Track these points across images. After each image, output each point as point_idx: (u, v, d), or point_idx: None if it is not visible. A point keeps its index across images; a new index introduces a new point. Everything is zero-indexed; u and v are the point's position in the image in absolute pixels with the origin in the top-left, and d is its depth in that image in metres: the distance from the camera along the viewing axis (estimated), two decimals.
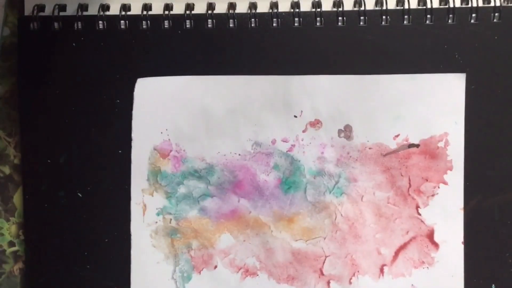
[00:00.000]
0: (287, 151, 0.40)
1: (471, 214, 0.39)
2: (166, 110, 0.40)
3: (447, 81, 0.39)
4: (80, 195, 0.40)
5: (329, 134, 0.40)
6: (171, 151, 0.40)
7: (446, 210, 0.39)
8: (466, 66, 0.39)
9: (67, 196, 0.40)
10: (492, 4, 0.39)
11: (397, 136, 0.39)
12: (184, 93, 0.40)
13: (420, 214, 0.39)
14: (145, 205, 0.40)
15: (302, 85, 0.39)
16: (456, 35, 0.39)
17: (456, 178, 0.39)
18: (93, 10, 0.40)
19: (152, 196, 0.40)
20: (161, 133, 0.40)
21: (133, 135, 0.40)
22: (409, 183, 0.39)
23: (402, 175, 0.39)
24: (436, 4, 0.39)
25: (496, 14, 0.39)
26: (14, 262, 0.42)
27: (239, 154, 0.40)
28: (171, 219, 0.40)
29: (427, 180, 0.39)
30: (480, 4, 0.39)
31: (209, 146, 0.40)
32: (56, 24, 0.40)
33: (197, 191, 0.40)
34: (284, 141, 0.40)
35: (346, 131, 0.40)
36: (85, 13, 0.40)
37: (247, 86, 0.39)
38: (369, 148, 0.39)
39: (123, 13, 0.40)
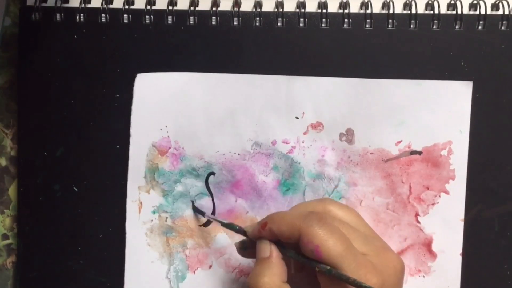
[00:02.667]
0: (287, 153, 0.39)
1: (470, 224, 0.39)
2: (166, 107, 0.39)
3: (453, 88, 0.38)
4: (76, 189, 0.40)
5: (331, 137, 0.39)
6: (169, 148, 0.40)
7: (446, 220, 0.39)
8: (472, 74, 0.38)
9: (63, 190, 0.40)
10: (500, 11, 0.38)
11: (399, 142, 0.39)
12: (185, 89, 0.39)
13: (419, 222, 0.39)
14: (141, 203, 0.40)
15: (305, 86, 0.39)
16: (463, 42, 0.38)
17: (458, 188, 0.39)
18: (96, 3, 0.40)
19: (149, 193, 0.40)
20: (161, 129, 0.40)
21: (132, 130, 0.40)
22: (410, 191, 0.39)
23: (402, 182, 0.39)
24: (443, 10, 0.39)
25: (505, 22, 0.38)
26: (7, 255, 0.41)
27: (239, 154, 0.40)
28: (167, 218, 0.40)
29: (428, 189, 0.39)
30: (489, 11, 0.38)
31: (208, 145, 0.40)
32: (58, 16, 0.40)
33: (194, 189, 0.40)
34: (284, 143, 0.39)
35: (348, 135, 0.39)
36: (88, 5, 0.40)
37: (249, 85, 0.39)
38: (371, 153, 0.39)
39: (126, 6, 0.40)
